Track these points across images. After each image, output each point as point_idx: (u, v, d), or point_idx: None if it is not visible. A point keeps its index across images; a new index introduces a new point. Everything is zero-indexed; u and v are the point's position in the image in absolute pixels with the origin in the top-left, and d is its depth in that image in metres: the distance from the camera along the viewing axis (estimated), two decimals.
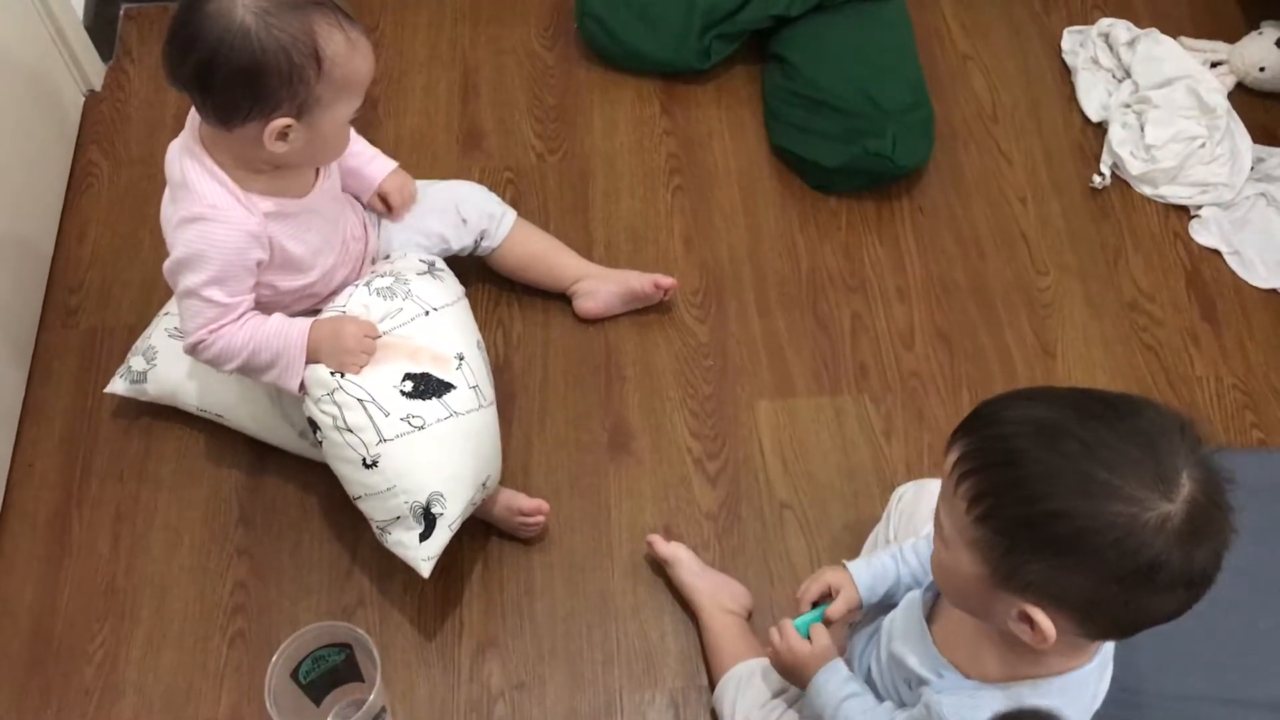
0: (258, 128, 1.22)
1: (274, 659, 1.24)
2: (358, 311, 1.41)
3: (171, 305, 1.60)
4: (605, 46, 1.94)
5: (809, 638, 1.20)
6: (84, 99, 1.92)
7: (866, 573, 1.23)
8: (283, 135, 1.23)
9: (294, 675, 1.29)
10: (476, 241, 1.63)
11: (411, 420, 1.35)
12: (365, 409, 1.34)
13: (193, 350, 1.34)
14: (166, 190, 1.33)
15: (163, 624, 1.47)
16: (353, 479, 1.37)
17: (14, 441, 1.60)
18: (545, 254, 1.69)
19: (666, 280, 1.67)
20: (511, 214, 1.66)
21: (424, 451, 1.35)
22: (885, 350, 1.70)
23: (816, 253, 1.79)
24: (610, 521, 1.55)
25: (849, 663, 1.21)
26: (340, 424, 1.34)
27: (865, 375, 1.68)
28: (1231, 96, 1.93)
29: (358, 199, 1.55)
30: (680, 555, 1.48)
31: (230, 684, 1.43)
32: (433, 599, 1.49)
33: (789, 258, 1.78)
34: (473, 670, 1.45)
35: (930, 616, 1.09)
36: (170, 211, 1.31)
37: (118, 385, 1.58)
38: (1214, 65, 1.96)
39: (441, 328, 1.44)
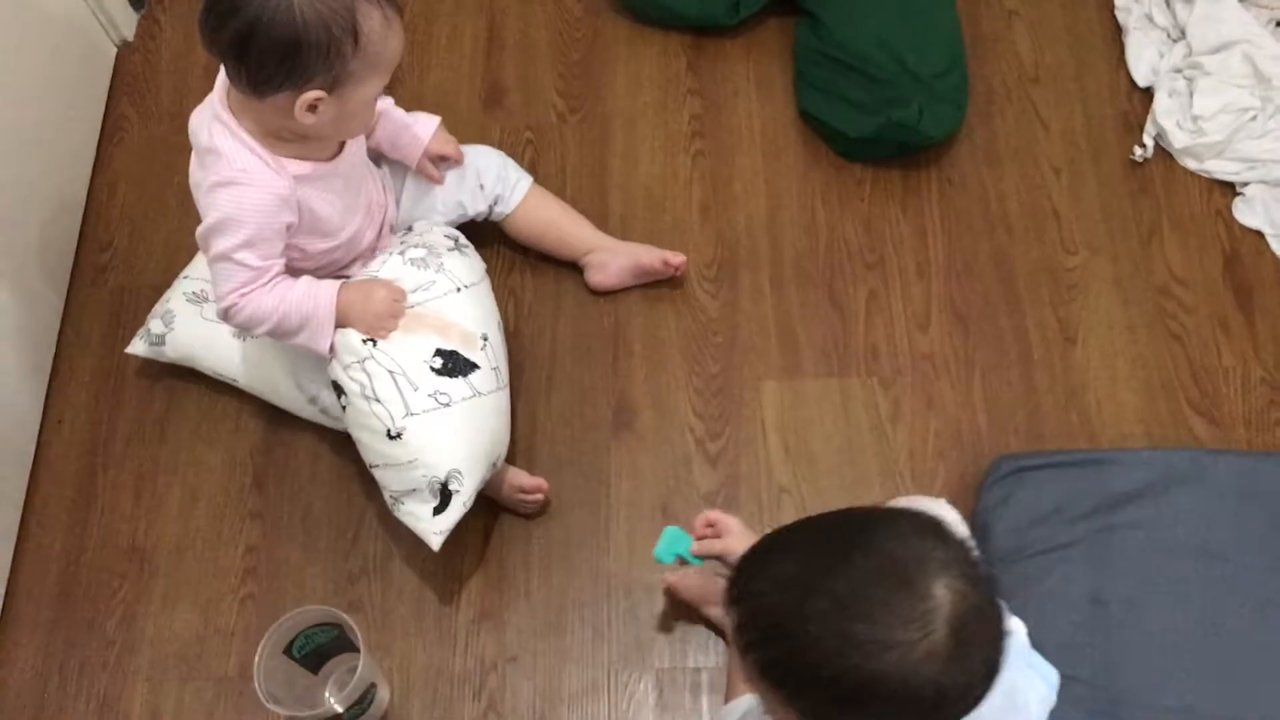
0: (289, 98, 1.24)
1: (262, 642, 1.30)
2: (390, 278, 1.43)
3: (189, 269, 1.64)
4: None
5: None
6: (116, 50, 1.94)
7: None
8: (312, 108, 1.25)
9: (287, 651, 1.35)
10: (491, 207, 1.64)
11: (438, 397, 1.38)
12: (395, 381, 1.37)
13: (225, 315, 1.36)
14: (194, 157, 1.35)
15: (178, 583, 1.55)
16: (373, 447, 1.40)
17: (44, 398, 1.67)
18: (558, 223, 1.68)
19: (676, 258, 1.66)
20: (527, 180, 1.66)
21: (448, 429, 1.38)
22: (899, 331, 1.67)
23: (837, 225, 1.75)
24: (610, 500, 1.57)
25: None
26: (369, 393, 1.37)
27: (876, 357, 1.65)
28: None
29: (403, 164, 1.58)
30: (707, 595, 1.47)
31: (240, 643, 1.51)
32: (433, 570, 1.54)
33: (808, 230, 1.74)
34: (468, 641, 1.50)
35: None
36: (200, 177, 1.33)
37: (138, 346, 1.63)
38: None
39: (469, 306, 1.47)
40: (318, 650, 1.39)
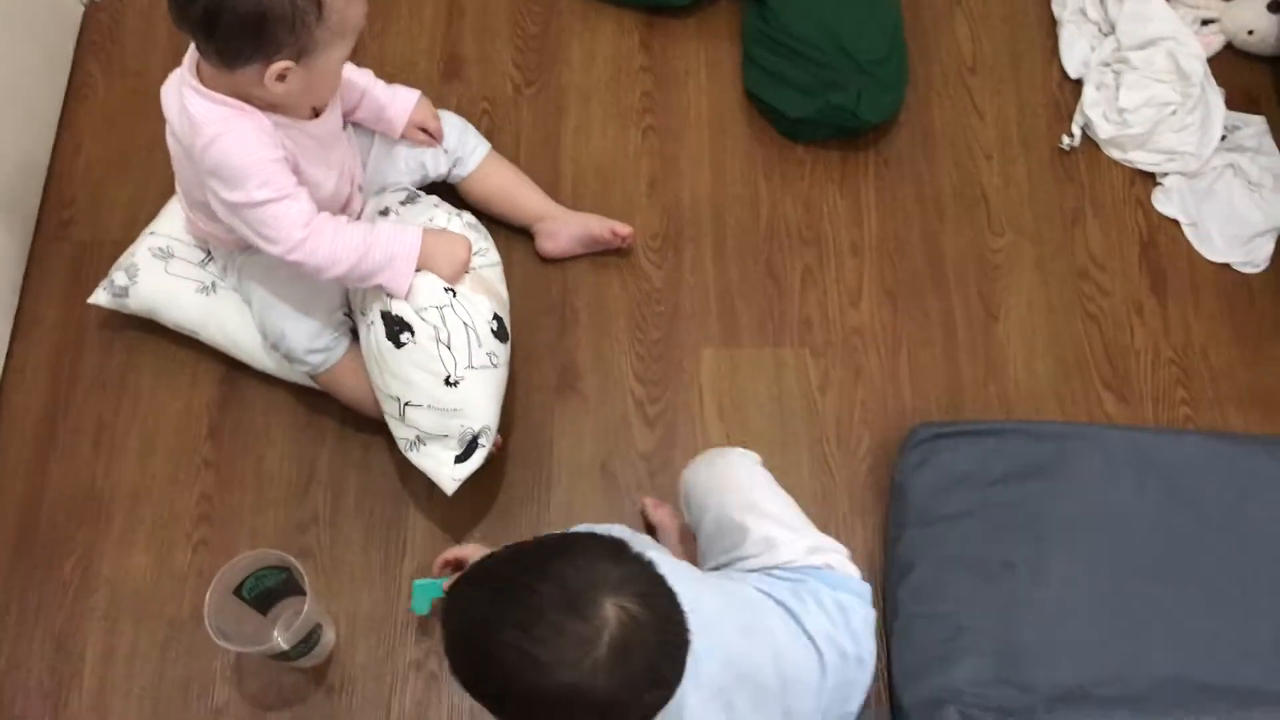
0: (259, 69, 1.29)
1: (213, 582, 1.37)
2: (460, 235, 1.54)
3: (154, 225, 1.70)
4: None
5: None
6: (83, 8, 1.98)
7: None
8: (282, 77, 1.30)
9: (237, 592, 1.42)
10: (450, 169, 1.70)
11: (492, 358, 1.50)
12: (467, 332, 1.47)
13: (294, 251, 1.38)
14: (169, 135, 1.42)
15: (134, 527, 1.61)
16: (423, 388, 1.47)
17: (8, 347, 1.72)
18: (511, 188, 1.75)
19: (624, 229, 1.73)
20: (485, 145, 1.73)
21: (493, 387, 1.51)
22: (832, 305, 1.75)
23: (778, 203, 1.83)
24: (551, 458, 1.65)
25: None
26: (442, 337, 1.46)
27: (809, 329, 1.74)
28: (1220, 58, 1.91)
29: (386, 135, 1.65)
30: (666, 524, 1.58)
31: (193, 586, 1.58)
32: (380, 521, 1.61)
33: (750, 206, 1.82)
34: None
35: None
36: (188, 144, 1.37)
37: (100, 297, 1.68)
38: (1206, 23, 1.93)
39: (502, 279, 1.60)
40: (267, 592, 1.47)
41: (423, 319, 1.46)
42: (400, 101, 1.62)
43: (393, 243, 1.44)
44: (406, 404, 1.48)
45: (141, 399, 1.70)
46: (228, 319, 1.62)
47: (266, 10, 1.24)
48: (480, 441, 1.49)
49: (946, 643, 1.47)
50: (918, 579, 1.51)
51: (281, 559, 1.40)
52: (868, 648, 1.22)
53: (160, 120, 1.67)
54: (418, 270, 1.47)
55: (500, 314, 1.54)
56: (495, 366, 1.50)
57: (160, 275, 1.63)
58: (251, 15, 1.24)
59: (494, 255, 1.60)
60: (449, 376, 1.46)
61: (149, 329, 1.72)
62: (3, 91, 1.72)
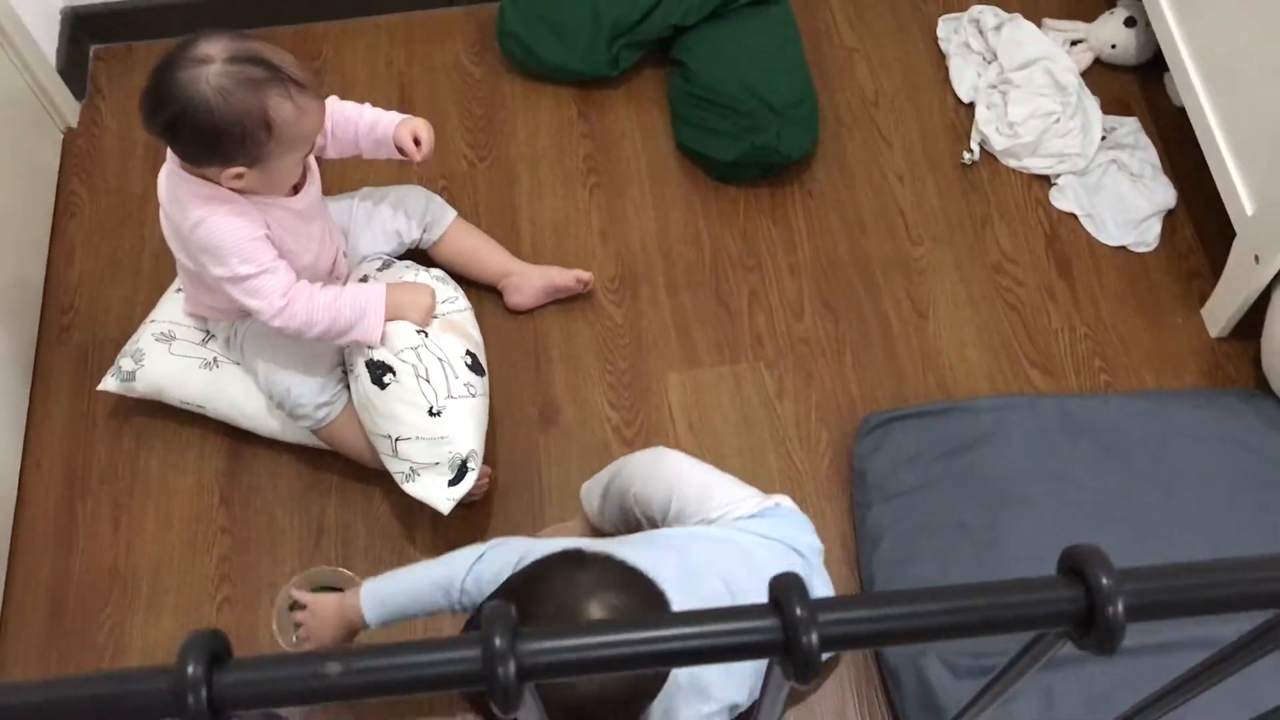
0: (217, 171, 1.46)
1: (278, 598, 1.53)
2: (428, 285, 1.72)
3: (155, 313, 1.83)
4: (525, 60, 2.16)
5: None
6: (63, 135, 2.15)
7: (378, 605, 1.45)
8: (238, 177, 1.47)
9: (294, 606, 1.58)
10: (421, 234, 1.87)
11: (470, 388, 1.66)
12: (442, 366, 1.64)
13: (276, 320, 1.54)
14: (162, 216, 1.58)
15: (160, 596, 1.73)
16: (409, 421, 1.62)
17: (22, 445, 1.84)
18: (477, 249, 1.92)
19: (585, 275, 1.91)
20: (451, 211, 1.91)
21: (473, 416, 1.65)
22: (778, 321, 1.93)
23: (718, 238, 2.02)
24: (540, 485, 1.79)
25: None
26: (420, 372, 1.62)
27: (761, 344, 1.91)
28: (1091, 71, 2.15)
29: (346, 198, 1.83)
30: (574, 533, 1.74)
31: None
32: (387, 562, 1.74)
33: (694, 244, 2.01)
34: (424, 626, 1.69)
35: None
36: (177, 224, 1.53)
37: (109, 383, 1.81)
38: (1075, 43, 2.17)
39: (475, 323, 1.78)
40: None
41: (401, 360, 1.63)
42: (389, 117, 1.73)
43: (360, 298, 1.61)
44: (397, 439, 1.62)
45: (153, 479, 1.82)
46: (233, 389, 1.76)
47: (220, 128, 1.40)
48: (469, 465, 1.63)
49: None
50: (887, 549, 1.67)
51: (339, 576, 1.54)
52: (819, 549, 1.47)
53: (143, 227, 1.85)
54: (390, 320, 1.63)
55: (474, 351, 1.71)
56: (474, 396, 1.66)
57: (165, 357, 1.77)
58: (206, 130, 1.41)
59: (463, 302, 1.77)
60: (431, 407, 1.61)
61: (154, 413, 1.85)
62: None
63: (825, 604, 0.45)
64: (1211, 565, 0.47)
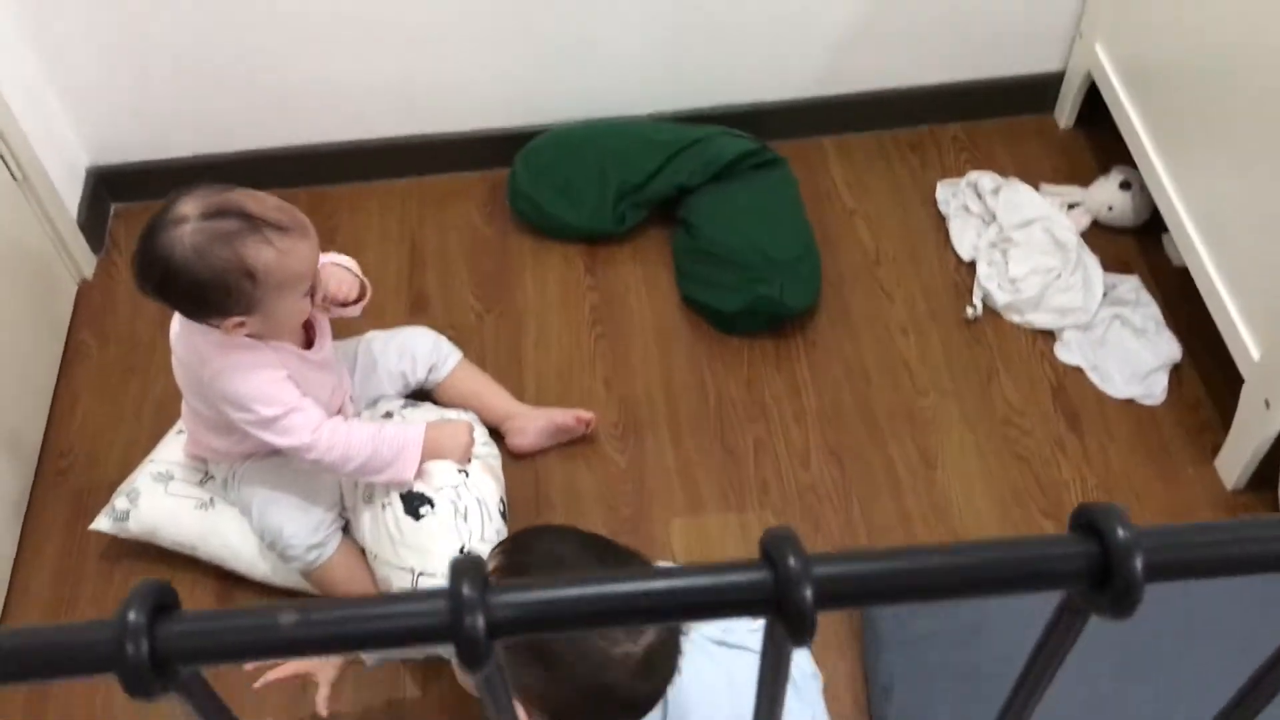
0: (218, 322, 1.48)
1: None
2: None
3: (154, 454, 1.82)
4: (535, 218, 2.22)
5: None
6: (77, 286, 2.19)
7: None
8: (240, 325, 1.48)
9: None
10: (428, 374, 1.87)
11: (500, 535, 1.64)
12: (480, 509, 1.63)
13: (309, 456, 1.54)
14: (178, 366, 1.59)
15: None
16: (440, 555, 1.58)
17: (8, 583, 1.80)
18: (481, 391, 1.92)
19: (587, 414, 1.90)
20: (458, 353, 1.92)
21: None
22: (785, 469, 1.91)
23: (723, 387, 2.01)
24: None
25: None
26: (459, 510, 1.61)
27: (767, 492, 1.88)
28: (1090, 232, 2.19)
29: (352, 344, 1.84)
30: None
31: None
32: (378, 711, 1.66)
33: (698, 392, 2.01)
34: None
35: None
36: (198, 374, 1.54)
37: (102, 523, 1.78)
38: (1072, 206, 2.22)
39: (500, 471, 1.77)
40: None
41: (441, 497, 1.61)
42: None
43: (399, 438, 1.60)
44: (421, 574, 1.58)
45: None
46: (227, 530, 1.72)
47: (204, 285, 1.42)
48: None
49: None
50: (900, 696, 1.59)
51: None
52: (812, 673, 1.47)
53: (148, 376, 1.85)
54: (428, 459, 1.63)
55: (504, 498, 1.71)
56: None
57: (161, 496, 1.74)
58: (192, 290, 1.43)
59: (494, 448, 1.78)
60: (463, 546, 1.58)
61: (145, 556, 1.81)
62: (4, 355, 1.89)
63: (822, 558, 0.42)
64: (1234, 525, 0.44)
